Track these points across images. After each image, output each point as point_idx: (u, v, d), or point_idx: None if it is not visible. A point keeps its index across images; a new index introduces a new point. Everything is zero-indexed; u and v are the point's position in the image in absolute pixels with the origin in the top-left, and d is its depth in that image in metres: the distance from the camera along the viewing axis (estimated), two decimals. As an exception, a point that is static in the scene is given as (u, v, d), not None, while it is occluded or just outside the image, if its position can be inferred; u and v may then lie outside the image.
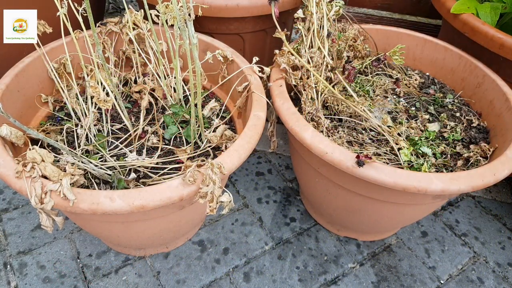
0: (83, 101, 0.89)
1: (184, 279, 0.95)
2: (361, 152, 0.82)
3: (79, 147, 0.83)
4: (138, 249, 0.98)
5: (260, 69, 0.92)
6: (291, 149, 1.03)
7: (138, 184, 0.76)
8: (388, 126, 0.89)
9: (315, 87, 0.91)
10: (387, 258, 1.04)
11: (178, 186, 0.64)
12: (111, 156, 0.82)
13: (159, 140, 0.86)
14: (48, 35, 0.85)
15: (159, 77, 0.97)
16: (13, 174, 0.63)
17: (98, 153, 0.82)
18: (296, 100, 0.93)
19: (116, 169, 0.77)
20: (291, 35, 1.36)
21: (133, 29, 0.97)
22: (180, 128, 0.89)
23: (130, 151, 0.83)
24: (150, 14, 0.89)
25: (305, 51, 0.92)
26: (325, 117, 0.89)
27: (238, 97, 0.91)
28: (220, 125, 0.87)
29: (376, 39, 1.11)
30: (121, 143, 0.85)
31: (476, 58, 1.01)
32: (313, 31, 0.91)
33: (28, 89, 0.87)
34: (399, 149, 0.83)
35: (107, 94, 0.88)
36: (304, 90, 0.90)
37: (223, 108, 0.97)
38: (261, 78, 0.91)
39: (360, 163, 0.69)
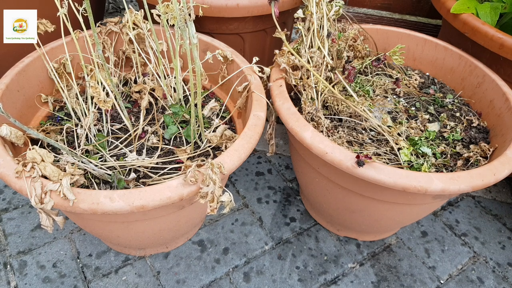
0: (83, 101, 0.89)
1: (184, 279, 0.95)
2: (361, 152, 0.82)
3: (79, 147, 0.83)
4: (138, 249, 0.98)
5: (260, 69, 0.92)
6: (291, 149, 1.03)
7: (138, 184, 0.76)
8: (388, 126, 0.89)
9: (315, 87, 0.91)
10: (387, 258, 1.04)
11: (178, 186, 0.64)
12: (111, 156, 0.82)
13: (159, 140, 0.86)
14: (48, 35, 0.85)
15: (159, 77, 0.97)
16: (13, 174, 0.63)
17: (98, 153, 0.82)
18: (296, 100, 0.93)
19: (116, 169, 0.77)
20: (291, 35, 1.36)
21: (133, 29, 0.97)
22: (180, 128, 0.89)
23: (130, 151, 0.83)
24: (151, 14, 0.89)
25: (305, 51, 0.92)
26: (325, 117, 0.89)
27: (238, 97, 0.91)
28: (220, 125, 0.87)
29: (376, 39, 1.11)
30: (121, 143, 0.85)
31: (476, 58, 1.01)
32: (313, 31, 0.91)
33: (28, 89, 0.87)
34: (399, 149, 0.83)
35: (107, 94, 0.88)
36: (304, 90, 0.90)
37: (223, 108, 0.97)
38: (261, 78, 0.91)
39: (360, 163, 0.69)
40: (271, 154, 0.97)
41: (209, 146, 0.85)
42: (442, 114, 0.96)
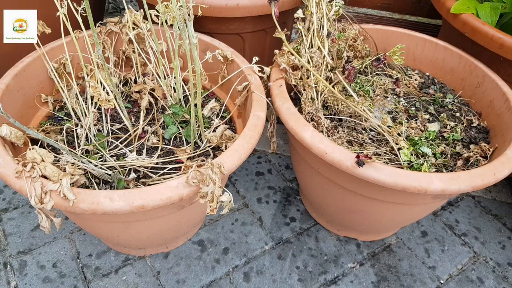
0: (83, 101, 0.89)
1: (184, 279, 0.95)
2: (361, 152, 0.81)
3: (79, 147, 0.83)
4: (138, 249, 0.98)
5: (260, 69, 0.92)
6: (291, 149, 1.03)
7: (138, 184, 0.76)
8: (388, 126, 0.89)
9: (315, 87, 0.91)
10: (387, 258, 1.04)
11: (178, 186, 0.64)
12: (111, 156, 0.82)
13: (159, 140, 0.86)
14: (48, 35, 0.85)
15: (159, 77, 0.97)
16: (13, 174, 0.63)
17: (98, 153, 0.82)
18: (296, 100, 0.93)
19: (116, 169, 0.77)
20: (291, 35, 1.36)
21: (133, 29, 0.97)
22: (180, 128, 0.89)
23: (130, 151, 0.83)
24: (150, 14, 0.89)
25: (305, 51, 0.92)
26: (325, 117, 0.89)
27: (238, 97, 0.91)
28: (220, 125, 0.87)
29: (376, 39, 1.11)
30: (121, 143, 0.85)
31: (476, 58, 1.01)
32: (313, 31, 0.91)
33: (28, 89, 0.87)
34: (399, 149, 0.83)
35: (107, 94, 0.88)
36: (304, 90, 0.90)
37: (223, 108, 0.97)
38: (261, 78, 0.91)
39: (360, 163, 0.69)
40: (273, 151, 0.97)
41: (209, 146, 0.85)
42: (442, 114, 0.96)
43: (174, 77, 0.94)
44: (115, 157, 0.82)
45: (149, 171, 0.78)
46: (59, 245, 1.00)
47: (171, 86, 0.97)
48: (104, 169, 0.76)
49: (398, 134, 0.87)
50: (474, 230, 1.14)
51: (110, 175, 0.75)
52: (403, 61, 0.98)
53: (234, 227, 1.08)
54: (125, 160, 0.80)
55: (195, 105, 0.78)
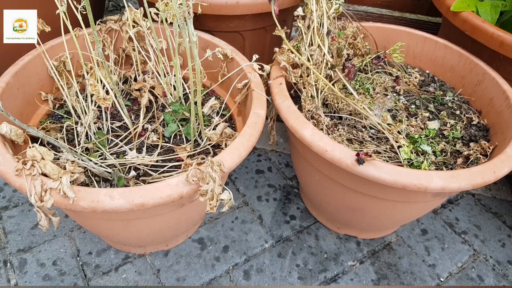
0: (83, 99, 0.89)
1: (184, 277, 0.96)
2: (361, 150, 0.81)
3: (79, 145, 0.83)
4: (138, 247, 0.98)
5: (260, 67, 0.92)
6: (291, 147, 1.03)
7: (138, 182, 0.76)
8: (388, 124, 0.89)
9: (315, 85, 0.91)
10: (387, 256, 1.04)
11: (178, 184, 0.64)
12: (111, 154, 0.82)
13: (159, 138, 0.86)
14: (48, 33, 0.85)
15: (159, 75, 0.97)
16: (13, 172, 0.63)
17: (98, 151, 0.82)
18: (296, 98, 0.93)
19: (116, 167, 0.77)
20: (291, 33, 1.36)
21: (133, 27, 0.97)
22: (180, 126, 0.89)
23: (130, 149, 0.83)
24: (150, 12, 0.89)
25: (305, 49, 0.92)
26: (325, 115, 0.89)
27: (238, 95, 0.91)
28: (220, 123, 0.87)
29: (376, 37, 1.11)
30: (121, 141, 0.85)
31: (476, 56, 1.01)
32: (313, 29, 0.91)
33: (28, 86, 0.87)
34: (399, 147, 0.83)
35: (107, 92, 0.88)
36: (304, 88, 0.90)
37: (223, 106, 0.97)
38: (261, 76, 0.91)
39: (360, 161, 0.69)
40: (272, 143, 0.97)
41: (209, 144, 0.85)
42: (442, 112, 0.96)
43: (174, 75, 0.94)
44: (115, 155, 0.82)
45: (149, 169, 0.78)
46: (59, 243, 1.00)
47: (171, 84, 0.97)
48: (104, 167, 0.76)
49: (398, 132, 0.87)
50: (474, 228, 1.14)
51: (110, 173, 0.75)
52: (403, 59, 0.98)
53: (234, 225, 1.08)
54: (125, 158, 0.80)
55: (195, 103, 0.78)
